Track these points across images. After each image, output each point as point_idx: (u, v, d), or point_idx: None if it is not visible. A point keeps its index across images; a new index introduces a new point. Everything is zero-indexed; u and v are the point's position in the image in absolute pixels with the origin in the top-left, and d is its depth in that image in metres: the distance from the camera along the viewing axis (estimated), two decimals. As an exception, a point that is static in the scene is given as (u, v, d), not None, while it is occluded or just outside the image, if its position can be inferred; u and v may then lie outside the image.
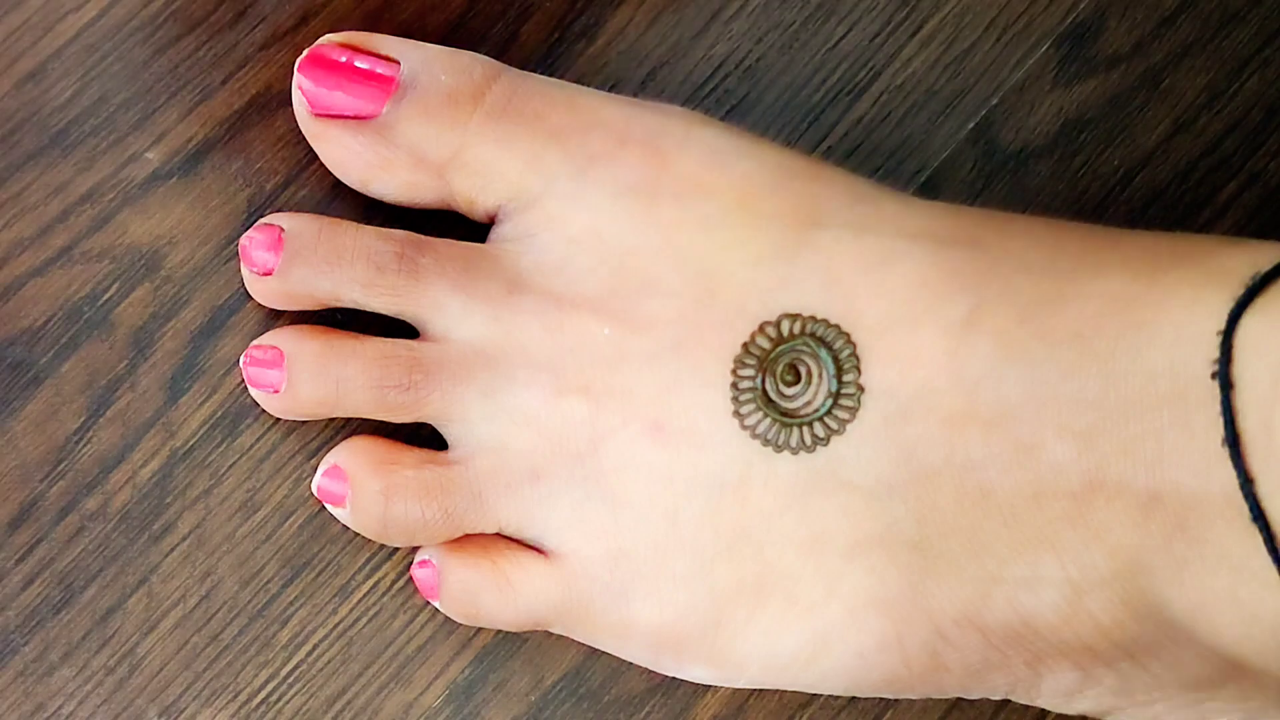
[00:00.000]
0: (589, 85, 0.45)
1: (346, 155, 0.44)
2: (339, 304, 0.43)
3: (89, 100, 0.45)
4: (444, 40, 0.46)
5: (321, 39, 0.44)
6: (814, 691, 0.42)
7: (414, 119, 0.43)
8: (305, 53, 0.43)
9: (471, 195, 0.44)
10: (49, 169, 0.45)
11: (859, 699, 0.44)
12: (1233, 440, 0.34)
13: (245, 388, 0.44)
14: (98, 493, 0.44)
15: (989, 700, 0.44)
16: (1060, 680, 0.40)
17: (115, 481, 0.44)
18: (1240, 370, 0.34)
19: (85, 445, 0.44)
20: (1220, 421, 0.34)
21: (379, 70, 0.43)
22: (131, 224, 0.45)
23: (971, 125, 0.48)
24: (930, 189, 0.47)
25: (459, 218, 0.44)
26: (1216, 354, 0.35)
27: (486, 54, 0.44)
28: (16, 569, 0.43)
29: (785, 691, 0.44)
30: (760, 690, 0.44)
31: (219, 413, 0.44)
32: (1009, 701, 0.43)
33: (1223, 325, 0.35)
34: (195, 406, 0.44)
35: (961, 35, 0.48)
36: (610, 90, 0.46)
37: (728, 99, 0.47)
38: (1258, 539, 0.34)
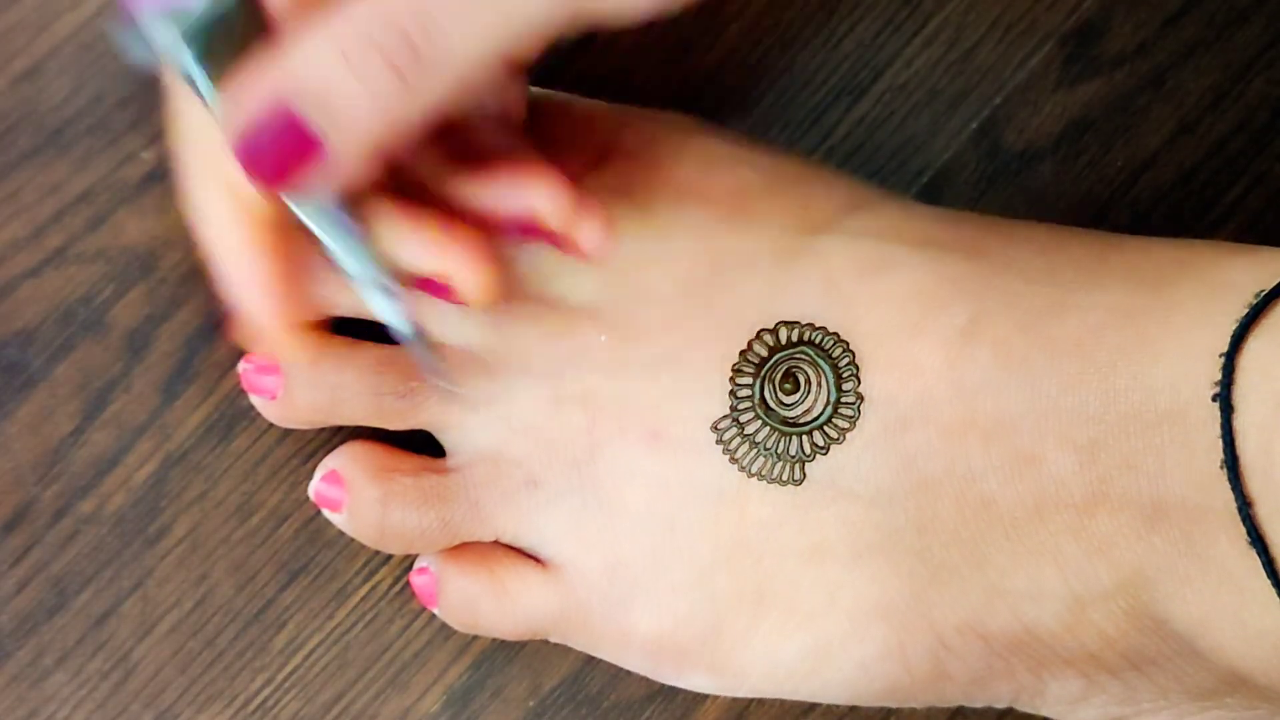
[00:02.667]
0: (586, 86, 0.45)
1: None
2: (336, 312, 0.43)
3: (85, 99, 0.45)
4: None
5: None
6: (815, 701, 0.42)
7: None
8: None
9: None
10: (44, 168, 0.45)
11: (860, 707, 0.44)
12: (1232, 464, 0.34)
13: (241, 390, 0.44)
14: (92, 496, 0.44)
15: (992, 709, 0.44)
16: (1065, 688, 0.40)
17: (110, 485, 0.44)
18: (1242, 393, 0.34)
19: (80, 448, 0.44)
20: (1220, 443, 0.34)
21: None
22: (127, 224, 0.45)
23: (975, 125, 0.48)
24: (933, 190, 0.47)
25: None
26: (1218, 375, 0.35)
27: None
28: (10, 573, 0.43)
29: (785, 699, 0.43)
30: (760, 698, 0.44)
31: (214, 416, 0.44)
32: (1012, 710, 0.43)
33: (1225, 346, 0.35)
34: (190, 409, 0.44)
35: (964, 35, 0.48)
36: (608, 92, 0.46)
37: (728, 99, 0.47)
38: (1258, 560, 0.34)
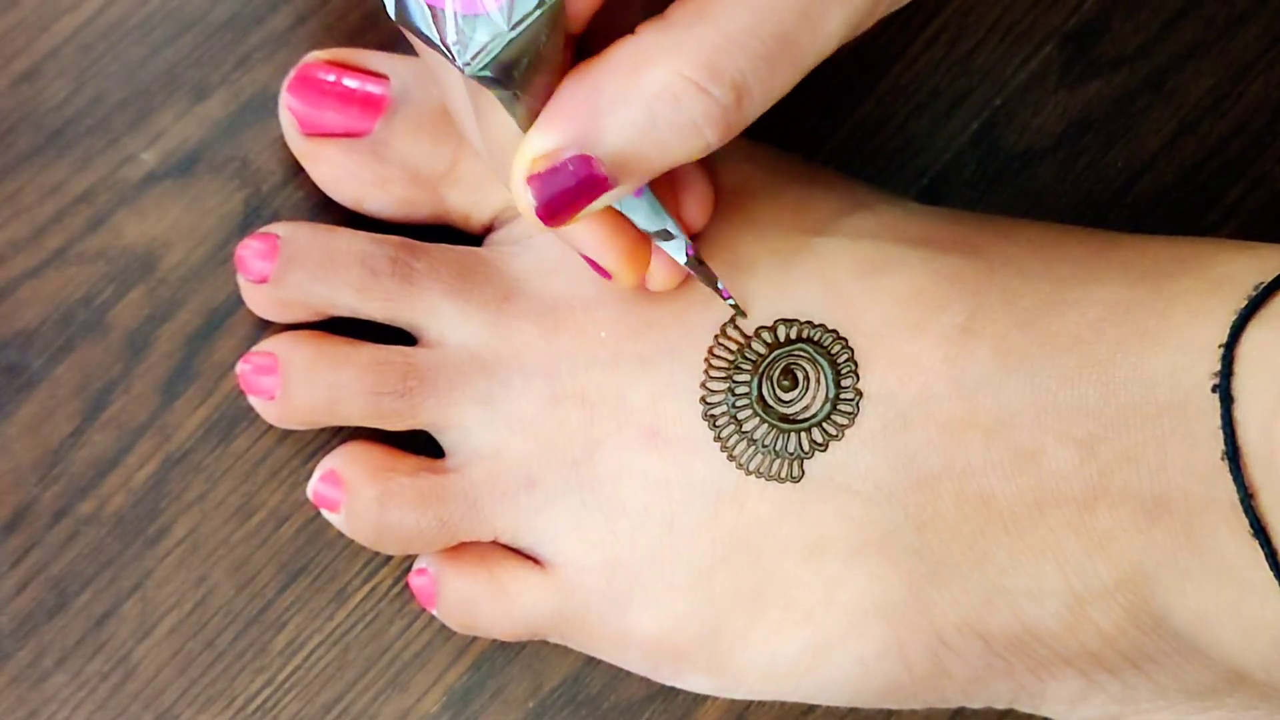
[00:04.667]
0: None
1: (339, 174, 0.43)
2: (334, 312, 0.43)
3: (85, 100, 0.45)
4: (442, 40, 0.46)
5: (308, 56, 0.43)
6: (814, 702, 0.42)
7: (407, 135, 0.43)
8: (292, 72, 0.43)
9: (466, 209, 0.43)
10: (44, 169, 0.45)
11: (861, 709, 0.44)
12: (1233, 454, 0.34)
13: (240, 391, 0.44)
14: (92, 497, 0.44)
15: (992, 710, 0.43)
16: (1065, 688, 0.40)
17: (110, 485, 0.44)
18: (1241, 383, 0.34)
19: (80, 449, 0.44)
20: (1221, 434, 0.34)
21: (369, 87, 0.43)
22: (127, 225, 0.45)
23: (975, 126, 0.48)
24: (933, 190, 0.47)
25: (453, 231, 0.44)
26: (1218, 366, 0.35)
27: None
28: (10, 574, 0.43)
29: (785, 700, 0.43)
30: (760, 699, 0.44)
31: (214, 416, 0.44)
32: (1012, 711, 0.43)
33: (1225, 338, 0.35)
34: (190, 410, 0.44)
35: (965, 35, 0.48)
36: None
37: (729, 100, 0.47)
38: (1260, 551, 0.34)
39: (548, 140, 0.34)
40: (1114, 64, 0.48)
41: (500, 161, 0.37)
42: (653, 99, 0.34)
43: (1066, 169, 0.47)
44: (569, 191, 0.35)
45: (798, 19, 0.34)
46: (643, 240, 0.39)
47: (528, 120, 0.35)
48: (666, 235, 0.38)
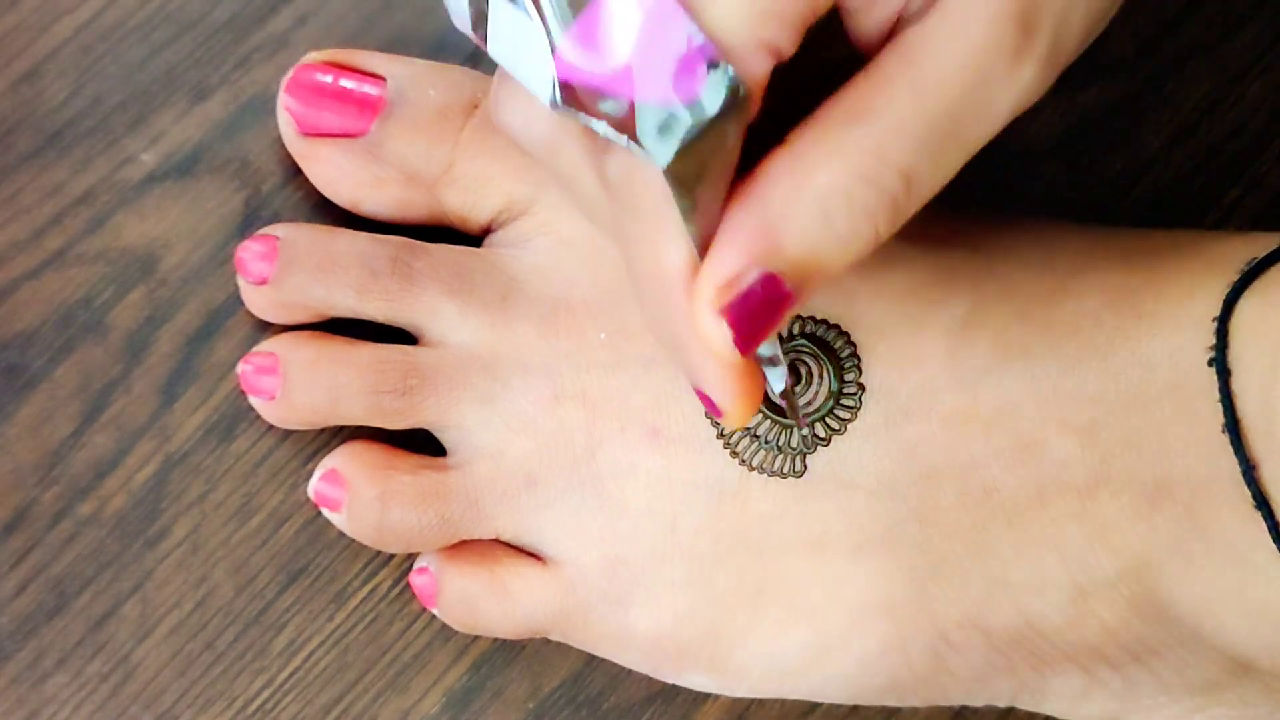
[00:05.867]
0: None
1: (336, 175, 0.43)
2: (334, 313, 0.43)
3: (84, 101, 0.45)
4: (442, 40, 0.46)
5: (306, 57, 0.43)
6: (816, 700, 0.42)
7: (403, 136, 0.43)
8: (290, 73, 0.43)
9: (464, 211, 0.43)
10: (44, 171, 0.45)
11: (862, 708, 0.44)
12: (1233, 426, 0.34)
13: (241, 392, 0.44)
14: (92, 498, 0.44)
15: (993, 708, 0.43)
16: (1066, 684, 0.40)
17: (110, 486, 0.44)
18: (1237, 355, 0.35)
19: (79, 450, 0.44)
20: (1220, 408, 0.34)
21: (365, 88, 0.43)
22: (127, 226, 0.45)
23: (974, 129, 0.48)
24: (932, 193, 0.47)
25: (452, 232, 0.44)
26: (1213, 340, 0.35)
27: (486, 53, 0.44)
28: (10, 574, 0.43)
29: (786, 699, 0.43)
30: (761, 699, 0.44)
31: (214, 417, 0.44)
32: (1014, 710, 0.43)
33: (1218, 311, 0.35)
34: (190, 411, 0.44)
35: (963, 38, 0.48)
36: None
37: (728, 102, 0.47)
38: (1263, 528, 0.34)
39: (727, 265, 0.32)
40: (1113, 67, 0.48)
41: (657, 289, 0.34)
42: (823, 200, 0.32)
43: (1066, 172, 0.47)
44: (761, 313, 0.32)
45: (963, 104, 0.32)
46: (757, 375, 0.35)
47: (698, 238, 0.32)
48: (774, 361, 0.37)
